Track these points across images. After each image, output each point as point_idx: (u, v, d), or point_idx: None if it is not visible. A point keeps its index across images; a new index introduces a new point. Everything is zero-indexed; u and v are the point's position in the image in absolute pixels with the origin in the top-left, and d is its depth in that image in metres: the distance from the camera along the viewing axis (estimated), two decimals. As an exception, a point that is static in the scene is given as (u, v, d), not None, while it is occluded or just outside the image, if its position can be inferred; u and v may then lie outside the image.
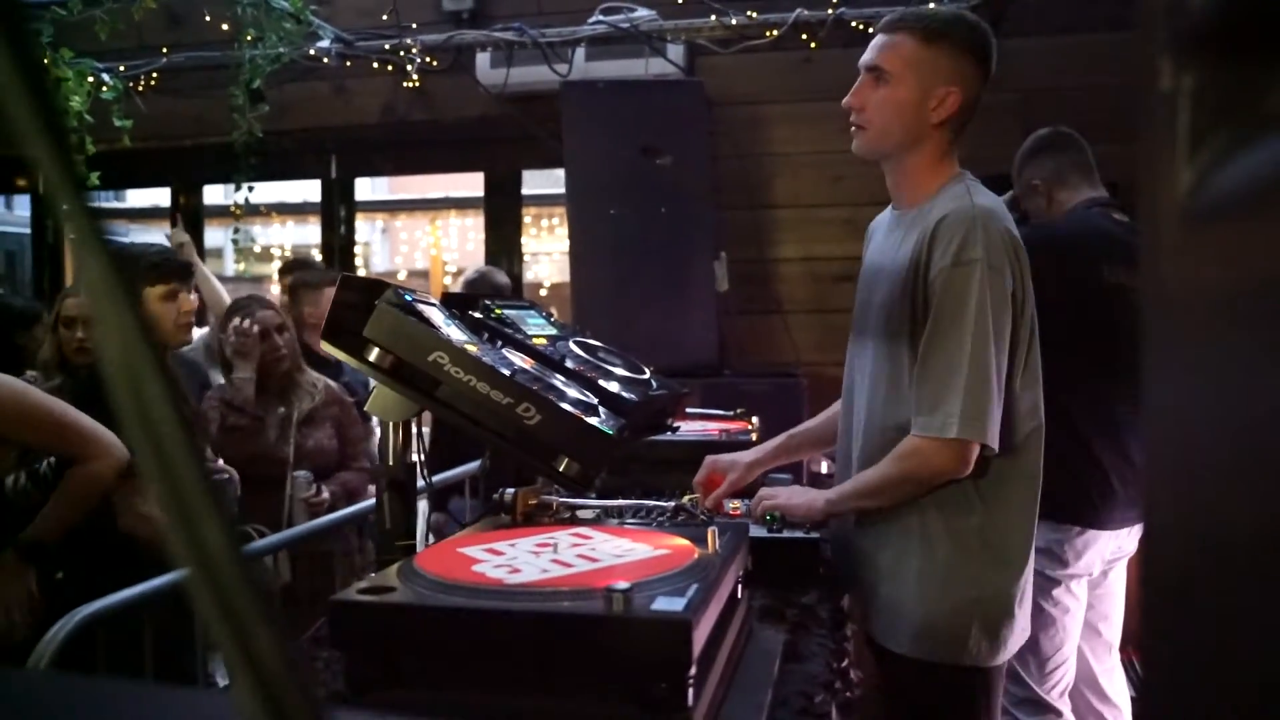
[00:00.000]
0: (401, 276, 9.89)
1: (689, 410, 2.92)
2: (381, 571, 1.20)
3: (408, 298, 1.66)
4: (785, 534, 1.86)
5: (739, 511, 2.05)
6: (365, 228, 10.19)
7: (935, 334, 1.78)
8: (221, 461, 3.21)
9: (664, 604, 1.02)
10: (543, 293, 9.22)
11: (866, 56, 1.91)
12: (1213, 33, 0.47)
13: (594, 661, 1.01)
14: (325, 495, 3.30)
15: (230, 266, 9.55)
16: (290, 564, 2.79)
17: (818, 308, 4.26)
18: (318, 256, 5.75)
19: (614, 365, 2.10)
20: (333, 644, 1.15)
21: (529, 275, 9.33)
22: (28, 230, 6.21)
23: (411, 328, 1.58)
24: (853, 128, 1.93)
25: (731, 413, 2.94)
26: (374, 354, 1.59)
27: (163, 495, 0.31)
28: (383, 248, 10.57)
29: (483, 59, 4.53)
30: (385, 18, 4.39)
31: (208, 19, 4.58)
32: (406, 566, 1.19)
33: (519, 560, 1.21)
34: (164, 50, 4.76)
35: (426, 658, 1.06)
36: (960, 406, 1.72)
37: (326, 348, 1.65)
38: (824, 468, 3.32)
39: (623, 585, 1.01)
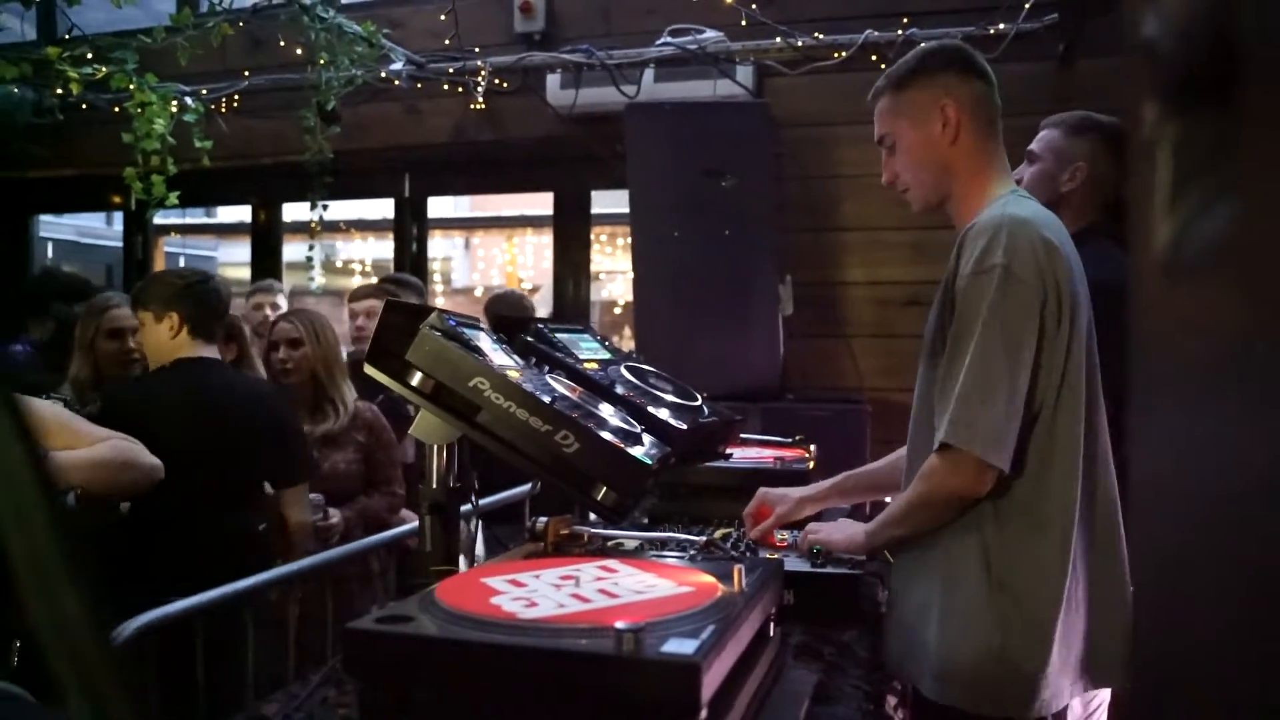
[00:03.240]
0: (478, 293, 10.02)
1: (745, 436, 2.88)
2: (402, 600, 1.20)
3: (451, 322, 1.67)
4: (828, 569, 1.82)
5: (785, 543, 2.02)
6: (446, 244, 10.35)
7: (952, 346, 1.73)
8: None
9: (675, 646, 1.00)
10: (616, 311, 9.23)
11: (875, 135, 1.97)
12: (1183, 80, 0.44)
13: (601, 702, 1.00)
14: (335, 520, 3.19)
15: (319, 279, 9.76)
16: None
17: (883, 332, 4.19)
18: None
19: (664, 391, 2.09)
20: (347, 671, 1.15)
21: (603, 294, 9.35)
22: (125, 244, 6.46)
23: (453, 353, 1.58)
24: (902, 194, 1.97)
25: (789, 440, 2.90)
26: (416, 378, 1.60)
27: (20, 562, 0.31)
28: (464, 264, 10.71)
29: (552, 80, 4.58)
30: (448, 41, 4.45)
31: (282, 44, 4.71)
32: (427, 595, 1.18)
33: (539, 593, 1.19)
34: (245, 73, 4.90)
35: (438, 689, 1.06)
36: (967, 419, 1.65)
37: (370, 371, 1.66)
38: (888, 498, 3.26)
39: (633, 625, 1.00)
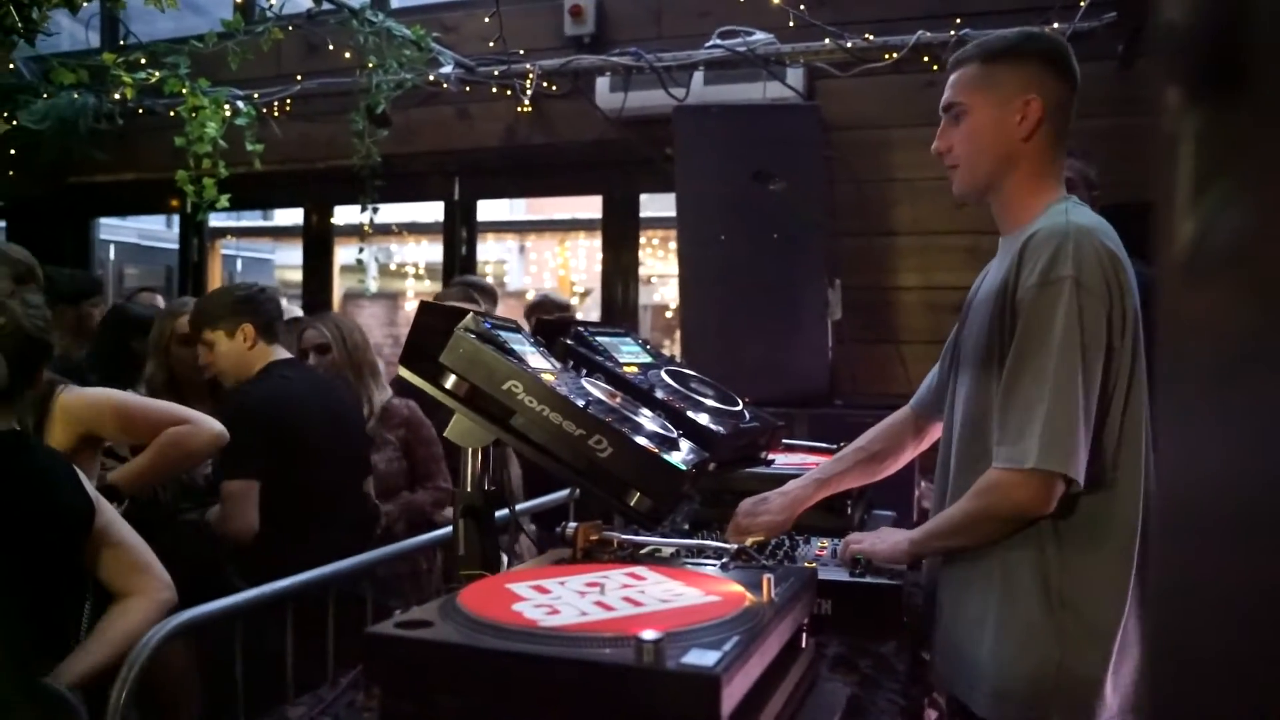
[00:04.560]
0: (529, 296, 10.06)
1: (789, 442, 2.84)
2: (425, 605, 1.18)
3: (487, 325, 1.65)
4: (867, 579, 1.78)
5: (825, 551, 1.98)
6: (500, 248, 10.42)
7: (1018, 358, 1.67)
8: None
9: (695, 657, 0.97)
10: (669, 315, 9.21)
11: (943, 100, 1.86)
12: (1199, 75, 0.41)
13: (620, 713, 0.97)
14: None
15: (371, 284, 9.89)
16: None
17: (936, 338, 4.08)
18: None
19: (705, 396, 2.06)
20: (368, 676, 1.14)
21: (655, 298, 9.34)
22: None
23: (487, 355, 1.57)
24: (948, 171, 1.88)
25: (835, 446, 2.85)
26: (450, 381, 1.59)
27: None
28: (518, 267, 10.76)
29: (602, 83, 4.58)
30: (491, 44, 4.46)
31: (331, 47, 4.76)
32: (449, 601, 1.17)
33: (562, 600, 1.17)
34: (298, 77, 4.96)
35: (456, 696, 1.04)
36: (1040, 435, 1.60)
37: (404, 374, 1.65)
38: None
39: (653, 635, 0.97)
